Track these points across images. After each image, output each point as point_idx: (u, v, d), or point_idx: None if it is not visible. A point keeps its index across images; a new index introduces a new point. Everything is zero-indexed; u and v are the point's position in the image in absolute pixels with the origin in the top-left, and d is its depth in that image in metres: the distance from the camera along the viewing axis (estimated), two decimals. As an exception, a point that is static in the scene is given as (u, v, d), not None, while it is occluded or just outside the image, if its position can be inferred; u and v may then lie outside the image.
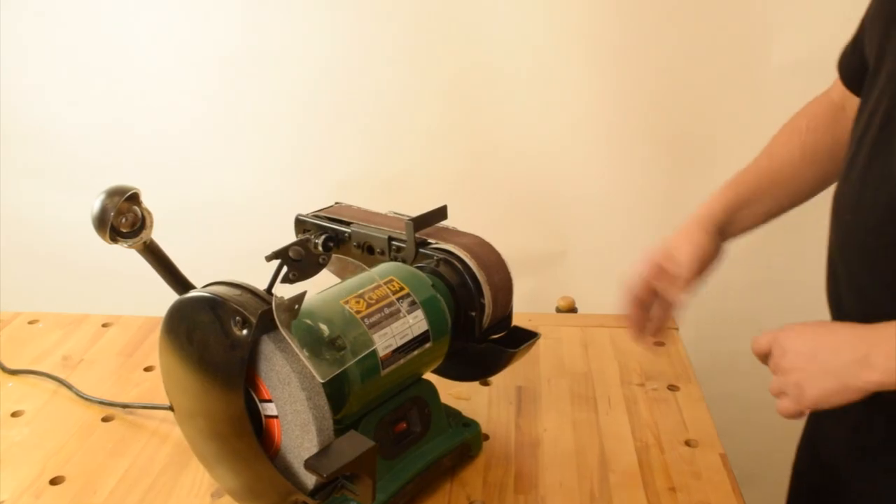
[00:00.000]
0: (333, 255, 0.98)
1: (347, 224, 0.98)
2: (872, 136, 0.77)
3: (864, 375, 0.67)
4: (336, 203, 1.05)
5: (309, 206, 1.04)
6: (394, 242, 0.93)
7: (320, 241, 0.97)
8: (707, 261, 0.91)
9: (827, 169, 0.94)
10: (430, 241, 0.92)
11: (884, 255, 0.76)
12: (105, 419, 1.05)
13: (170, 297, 0.77)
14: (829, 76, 0.94)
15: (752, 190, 0.96)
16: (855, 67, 0.89)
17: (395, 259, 0.93)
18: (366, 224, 0.97)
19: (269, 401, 0.73)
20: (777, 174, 0.96)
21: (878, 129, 0.77)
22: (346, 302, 0.80)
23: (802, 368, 0.72)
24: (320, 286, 0.85)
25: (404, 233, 0.92)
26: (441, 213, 0.94)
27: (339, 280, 0.91)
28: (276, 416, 0.73)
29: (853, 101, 0.88)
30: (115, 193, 0.77)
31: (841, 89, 0.94)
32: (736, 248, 0.97)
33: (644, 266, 0.93)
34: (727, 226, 0.94)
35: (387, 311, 0.81)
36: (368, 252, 0.96)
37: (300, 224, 1.02)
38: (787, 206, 0.97)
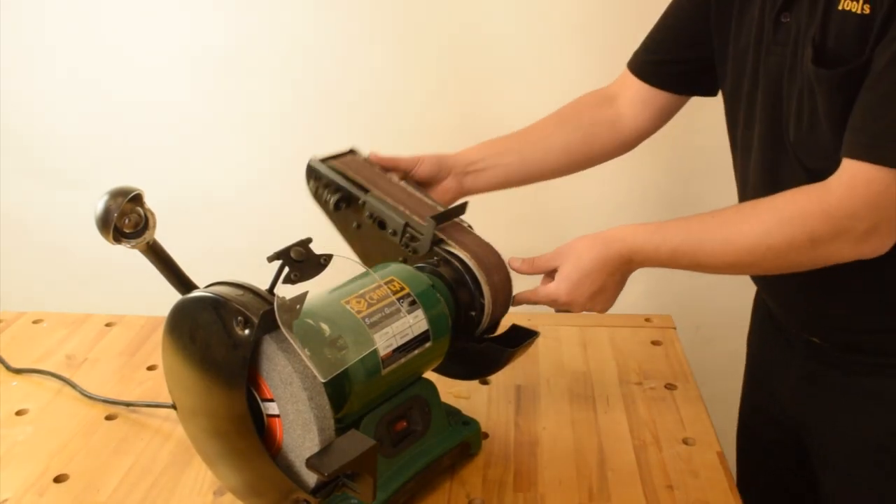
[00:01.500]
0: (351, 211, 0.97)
1: (365, 190, 0.94)
2: (758, 143, 0.90)
3: (634, 268, 0.90)
4: (351, 151, 1.00)
5: (309, 206, 1.04)
6: (409, 230, 0.92)
7: (332, 200, 0.93)
8: (418, 176, 1.03)
9: (576, 145, 1.08)
10: (443, 238, 0.92)
11: None
12: (108, 418, 1.06)
13: (172, 296, 0.78)
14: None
15: (500, 148, 1.08)
16: (655, 66, 1.06)
17: (406, 247, 0.93)
18: (383, 199, 0.93)
19: (271, 400, 0.74)
20: (530, 137, 1.09)
21: (762, 132, 0.89)
22: (347, 302, 0.81)
23: (596, 303, 0.91)
24: (322, 287, 0.85)
25: (422, 222, 0.91)
26: (461, 209, 0.94)
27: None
28: (277, 416, 0.74)
29: (629, 94, 1.08)
30: (118, 194, 0.78)
31: (622, 85, 1.09)
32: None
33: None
34: (468, 173, 1.05)
35: (387, 310, 0.82)
36: (379, 226, 0.94)
37: (312, 172, 0.97)
38: (542, 169, 1.09)
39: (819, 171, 0.80)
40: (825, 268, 0.81)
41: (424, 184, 1.03)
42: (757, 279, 1.03)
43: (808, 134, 0.83)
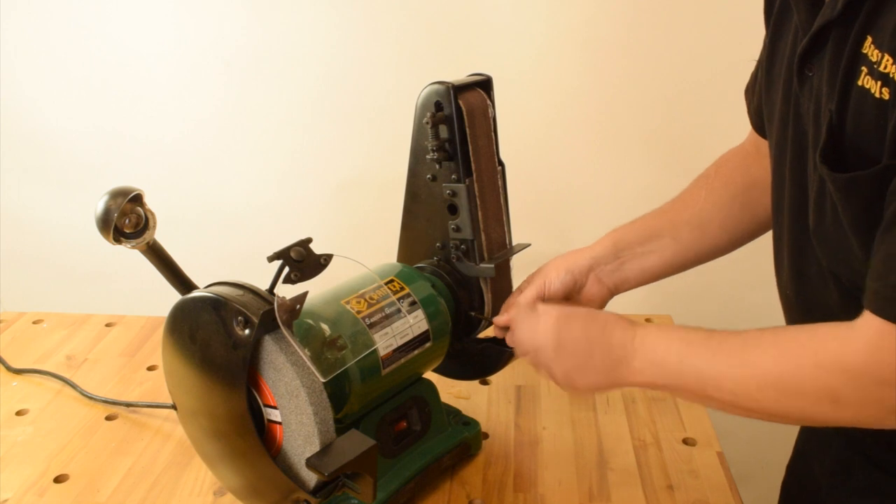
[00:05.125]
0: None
1: (470, 173, 0.84)
2: (791, 221, 0.74)
3: (627, 377, 0.73)
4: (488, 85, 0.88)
5: (309, 208, 1.03)
6: (467, 245, 0.88)
7: (434, 150, 0.82)
8: (554, 298, 0.88)
9: (737, 214, 0.91)
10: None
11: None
12: (108, 418, 1.06)
13: (172, 297, 0.78)
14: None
15: (646, 231, 0.91)
16: (758, 110, 0.86)
17: (445, 248, 0.89)
18: (475, 195, 0.85)
19: (274, 407, 0.74)
20: (679, 215, 0.92)
21: (792, 217, 0.73)
22: (348, 302, 0.81)
23: (575, 363, 0.76)
24: (322, 287, 0.85)
25: (486, 255, 0.87)
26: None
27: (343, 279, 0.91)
28: (279, 423, 0.74)
29: (764, 147, 0.85)
30: (118, 195, 0.78)
31: (752, 135, 0.92)
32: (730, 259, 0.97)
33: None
34: (617, 267, 0.90)
35: (387, 310, 0.82)
36: (450, 210, 0.86)
37: (437, 103, 0.82)
38: (700, 251, 0.92)
39: (846, 278, 0.67)
40: None
41: (566, 299, 0.89)
42: (786, 317, 0.86)
43: (831, 231, 0.66)
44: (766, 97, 0.80)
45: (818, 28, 0.64)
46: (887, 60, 0.56)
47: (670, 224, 0.92)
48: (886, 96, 0.56)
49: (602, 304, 0.91)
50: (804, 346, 0.63)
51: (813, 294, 0.74)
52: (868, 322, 0.59)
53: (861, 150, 0.59)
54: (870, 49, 0.58)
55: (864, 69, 0.58)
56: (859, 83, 0.59)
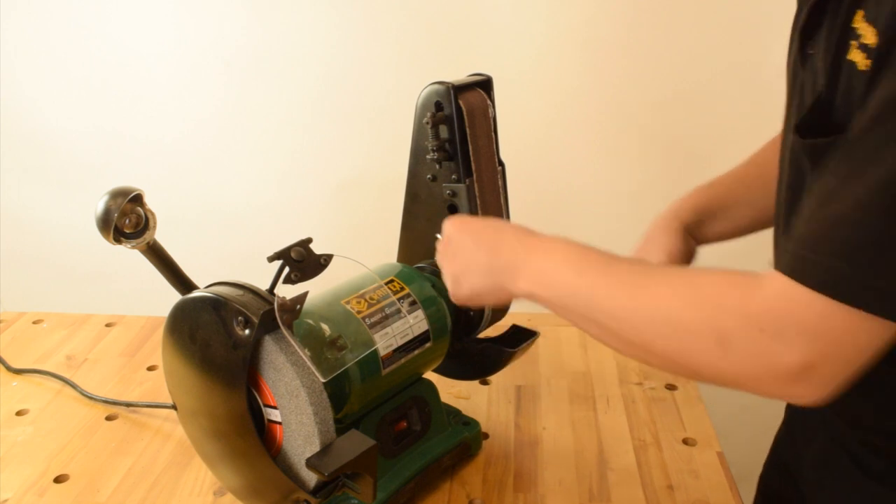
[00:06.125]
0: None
1: (470, 173, 0.85)
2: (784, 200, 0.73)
3: (511, 283, 0.69)
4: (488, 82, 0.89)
5: (309, 208, 1.03)
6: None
7: (434, 150, 0.83)
8: (680, 262, 0.89)
9: None
10: None
11: None
12: (108, 418, 1.06)
13: (172, 297, 0.78)
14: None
15: (727, 194, 0.94)
16: None
17: None
18: (476, 196, 0.86)
19: (274, 407, 0.74)
20: (758, 180, 0.92)
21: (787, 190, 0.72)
22: (348, 302, 0.81)
23: (463, 262, 0.74)
24: (322, 287, 0.85)
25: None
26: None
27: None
28: (279, 423, 0.74)
29: None
30: (118, 195, 0.78)
31: None
32: (736, 246, 0.97)
33: None
34: (697, 228, 0.93)
35: (387, 310, 0.82)
36: (449, 209, 0.87)
37: (437, 103, 0.83)
38: (766, 218, 0.91)
39: None
40: None
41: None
42: None
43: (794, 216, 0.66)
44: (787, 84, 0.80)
45: (813, 4, 0.64)
46: (871, 32, 0.54)
47: (747, 189, 0.94)
48: (868, 67, 0.54)
49: (693, 257, 0.93)
50: (706, 287, 0.60)
51: None
52: (777, 277, 0.56)
53: (845, 127, 0.57)
54: (861, 23, 0.57)
55: (854, 43, 0.57)
56: (849, 57, 0.57)
